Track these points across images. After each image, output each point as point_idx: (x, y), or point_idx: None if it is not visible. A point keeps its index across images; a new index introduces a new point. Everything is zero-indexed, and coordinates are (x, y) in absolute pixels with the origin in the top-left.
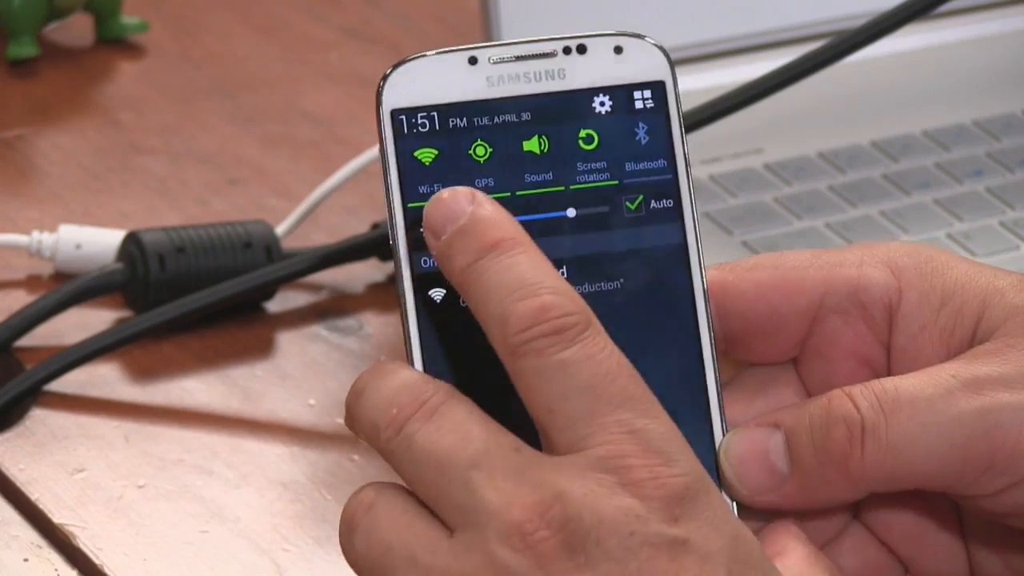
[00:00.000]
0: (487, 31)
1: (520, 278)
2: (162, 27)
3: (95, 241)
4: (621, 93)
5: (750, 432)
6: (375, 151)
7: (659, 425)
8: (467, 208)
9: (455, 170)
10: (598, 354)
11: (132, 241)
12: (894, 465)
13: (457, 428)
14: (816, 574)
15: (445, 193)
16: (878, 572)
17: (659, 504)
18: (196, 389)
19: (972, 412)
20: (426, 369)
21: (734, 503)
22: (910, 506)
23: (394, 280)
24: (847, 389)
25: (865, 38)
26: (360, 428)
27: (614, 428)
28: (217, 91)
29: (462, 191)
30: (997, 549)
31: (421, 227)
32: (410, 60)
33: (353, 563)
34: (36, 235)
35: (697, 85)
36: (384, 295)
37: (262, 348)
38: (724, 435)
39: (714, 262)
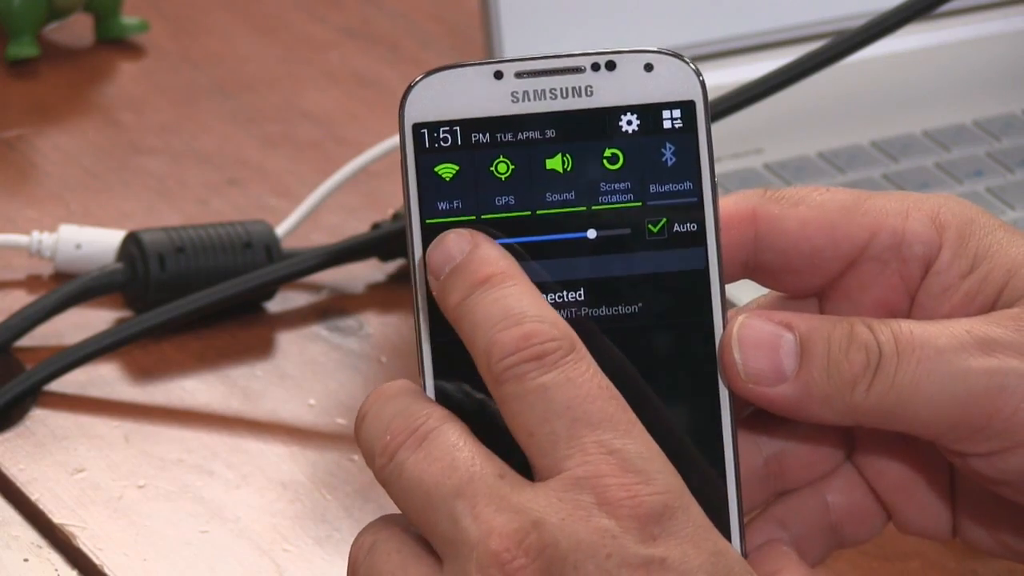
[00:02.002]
0: (487, 31)
1: (506, 309)
2: (162, 27)
3: (95, 241)
4: (649, 112)
5: (763, 323)
6: (375, 151)
7: (637, 444)
8: (465, 248)
9: (475, 187)
10: (578, 377)
11: (132, 241)
12: (894, 405)
13: (444, 456)
14: None
15: (448, 235)
16: (862, 515)
17: (636, 524)
18: (196, 389)
19: (979, 370)
20: (438, 384)
21: (727, 394)
22: (904, 458)
23: (395, 280)
24: (867, 320)
25: (865, 38)
26: (362, 453)
27: (592, 448)
28: (217, 91)
29: (463, 233)
30: (984, 518)
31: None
32: (434, 73)
33: None
34: (36, 235)
35: None
36: (384, 295)
37: (262, 348)
38: (736, 465)
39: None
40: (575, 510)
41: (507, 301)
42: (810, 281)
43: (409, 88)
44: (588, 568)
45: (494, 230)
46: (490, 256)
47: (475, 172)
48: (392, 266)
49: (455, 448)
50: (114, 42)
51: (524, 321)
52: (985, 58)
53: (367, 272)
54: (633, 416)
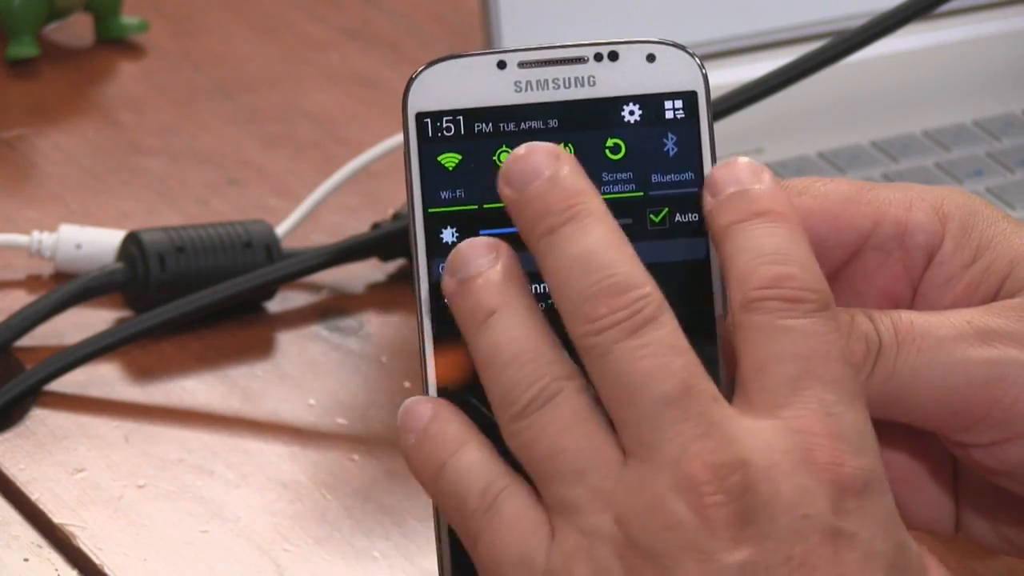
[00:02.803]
0: (487, 31)
1: (777, 247)
2: (162, 27)
3: (95, 241)
4: (651, 102)
5: None
6: (375, 151)
7: (857, 417)
8: (754, 175)
9: (478, 176)
10: (826, 333)
11: (132, 241)
12: (894, 394)
13: (660, 354)
14: None
15: (739, 161)
16: None
17: (836, 492)
18: (196, 389)
19: (978, 360)
20: (439, 376)
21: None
22: (908, 450)
23: (395, 280)
24: (868, 311)
25: (865, 38)
26: (561, 307)
27: (813, 404)
28: (217, 91)
29: (755, 165)
30: (987, 511)
31: (441, 233)
32: (437, 63)
33: (517, 449)
34: (36, 235)
35: None
36: (384, 295)
37: (262, 348)
38: None
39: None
40: (782, 460)
41: (779, 240)
42: None
43: (412, 78)
44: (781, 522)
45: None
46: (775, 194)
47: (478, 161)
48: (392, 266)
49: (673, 351)
50: (114, 42)
51: (789, 263)
52: (985, 58)
53: (367, 272)
54: (860, 391)
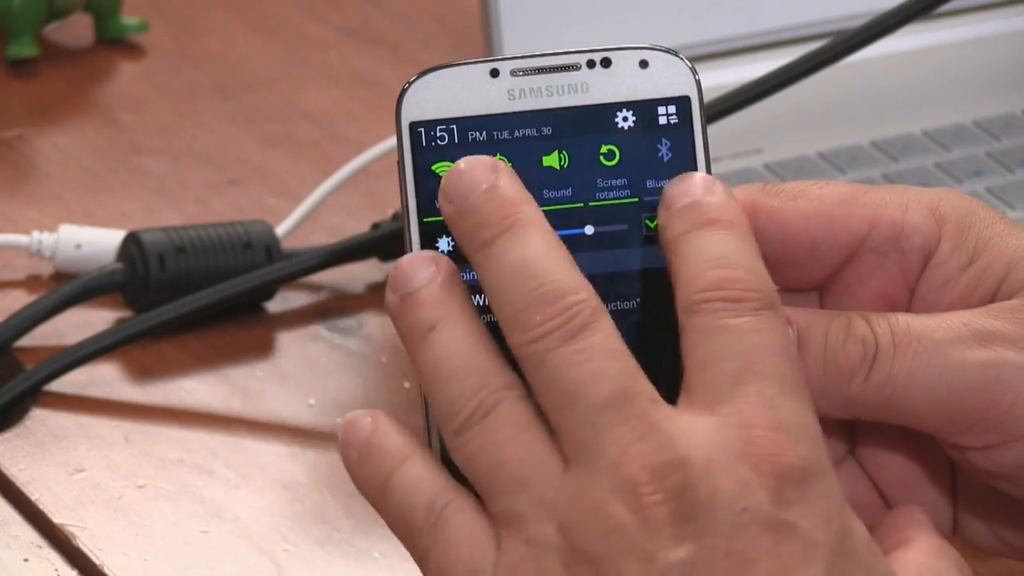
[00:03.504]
0: (487, 31)
1: (721, 252)
2: (162, 27)
3: (95, 241)
4: (645, 108)
5: None
6: (375, 151)
7: (798, 407)
8: (705, 188)
9: None
10: (768, 330)
11: (132, 241)
12: (890, 397)
13: (596, 359)
14: (942, 568)
15: (692, 174)
16: (864, 509)
17: (776, 483)
18: (196, 389)
19: (976, 363)
20: None
21: None
22: (905, 452)
23: None
24: (865, 314)
25: (865, 38)
26: (499, 317)
27: (753, 397)
28: (217, 91)
29: (709, 177)
30: (984, 513)
31: (437, 242)
32: (430, 72)
33: (461, 463)
34: (36, 235)
35: None
36: (384, 295)
37: (262, 348)
38: None
39: None
40: (721, 455)
41: (725, 246)
42: (810, 274)
43: (405, 87)
44: (720, 518)
45: None
46: (725, 204)
47: None
48: (392, 266)
49: (609, 355)
50: (114, 42)
51: (734, 267)
52: (985, 58)
53: (367, 272)
54: (803, 383)
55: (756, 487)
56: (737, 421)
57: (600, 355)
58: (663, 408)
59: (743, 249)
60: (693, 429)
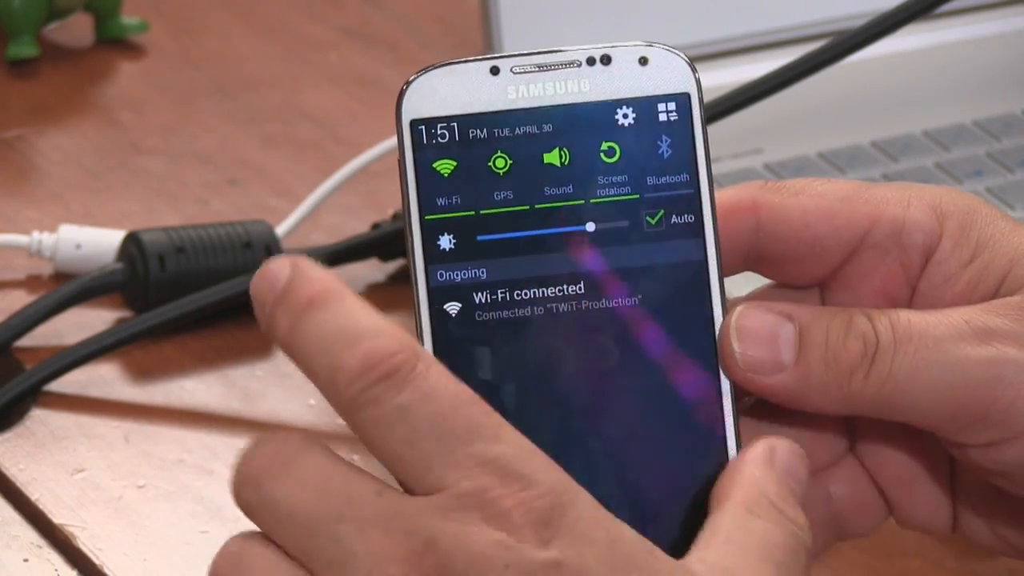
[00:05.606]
0: (487, 31)
1: (340, 329)
2: (162, 27)
3: (95, 241)
4: (645, 105)
5: (763, 313)
6: (375, 151)
7: (511, 448)
8: (286, 274)
9: (474, 182)
10: (434, 390)
11: (132, 241)
12: (891, 394)
13: (313, 480)
14: (766, 476)
15: (267, 264)
16: (864, 507)
17: (528, 531)
18: (196, 389)
19: (977, 360)
20: None
21: (728, 383)
22: (906, 450)
23: (395, 280)
24: (866, 310)
25: (865, 38)
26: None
27: (467, 463)
28: (217, 91)
29: (281, 259)
30: (984, 511)
31: (439, 240)
32: (431, 70)
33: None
34: (36, 235)
35: None
36: (384, 295)
37: (262, 348)
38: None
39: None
40: (465, 527)
41: (340, 320)
42: (811, 270)
43: (406, 85)
44: None
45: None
46: (313, 276)
47: (473, 168)
48: (392, 266)
49: (323, 469)
50: (114, 42)
51: (362, 339)
52: (985, 58)
53: (367, 272)
54: (498, 418)
55: (511, 543)
56: (465, 490)
57: (315, 475)
58: (393, 499)
59: (352, 314)
60: (429, 510)
